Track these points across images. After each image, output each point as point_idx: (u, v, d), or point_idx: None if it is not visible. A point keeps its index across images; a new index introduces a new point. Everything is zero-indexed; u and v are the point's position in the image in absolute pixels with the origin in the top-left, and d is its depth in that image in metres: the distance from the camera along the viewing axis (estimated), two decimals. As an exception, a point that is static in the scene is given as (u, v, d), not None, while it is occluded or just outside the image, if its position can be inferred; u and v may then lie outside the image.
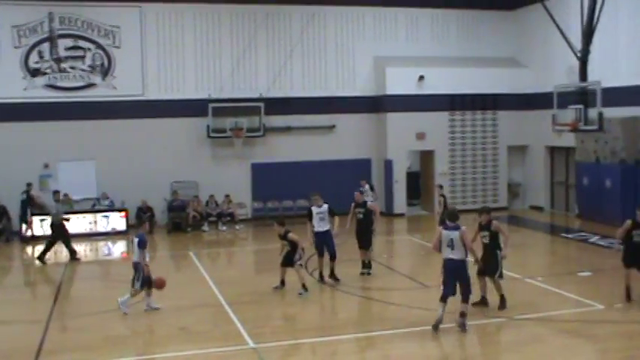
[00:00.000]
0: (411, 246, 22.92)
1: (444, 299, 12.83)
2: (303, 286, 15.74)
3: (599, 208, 23.92)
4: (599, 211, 24.01)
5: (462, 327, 12.76)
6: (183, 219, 25.63)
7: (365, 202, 17.90)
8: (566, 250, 22.16)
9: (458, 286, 12.81)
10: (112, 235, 24.87)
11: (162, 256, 22.18)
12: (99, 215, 25.24)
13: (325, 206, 16.77)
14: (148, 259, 14.88)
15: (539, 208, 29.02)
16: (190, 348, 12.36)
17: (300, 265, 16.28)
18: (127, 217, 25.32)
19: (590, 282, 16.71)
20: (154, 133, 26.43)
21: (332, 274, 16.90)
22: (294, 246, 15.78)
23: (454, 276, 12.82)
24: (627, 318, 13.72)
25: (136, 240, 14.90)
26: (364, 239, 17.55)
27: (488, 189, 28.81)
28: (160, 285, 14.79)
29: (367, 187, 25.40)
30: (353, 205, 17.64)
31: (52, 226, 21.16)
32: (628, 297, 14.59)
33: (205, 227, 25.71)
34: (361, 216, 17.47)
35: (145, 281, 14.68)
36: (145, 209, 25.32)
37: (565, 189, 28.14)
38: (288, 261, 15.89)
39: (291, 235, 15.78)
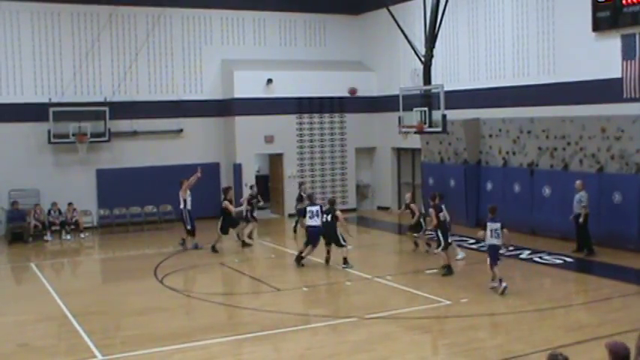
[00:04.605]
0: (262, 249, 22.83)
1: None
2: None
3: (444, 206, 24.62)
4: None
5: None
6: (24, 229, 24.41)
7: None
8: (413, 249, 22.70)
9: None
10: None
11: (0, 269, 21.04)
12: None
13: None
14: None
15: (387, 209, 29.68)
16: (32, 365, 11.71)
17: None
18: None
19: (437, 279, 17.17)
20: (-12, 138, 25.01)
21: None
22: None
23: None
24: (472, 312, 14.16)
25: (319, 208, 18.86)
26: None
27: (337, 191, 29.16)
28: None
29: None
30: None
31: None
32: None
33: (48, 237, 24.58)
34: None
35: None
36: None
37: (411, 189, 28.85)
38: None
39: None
